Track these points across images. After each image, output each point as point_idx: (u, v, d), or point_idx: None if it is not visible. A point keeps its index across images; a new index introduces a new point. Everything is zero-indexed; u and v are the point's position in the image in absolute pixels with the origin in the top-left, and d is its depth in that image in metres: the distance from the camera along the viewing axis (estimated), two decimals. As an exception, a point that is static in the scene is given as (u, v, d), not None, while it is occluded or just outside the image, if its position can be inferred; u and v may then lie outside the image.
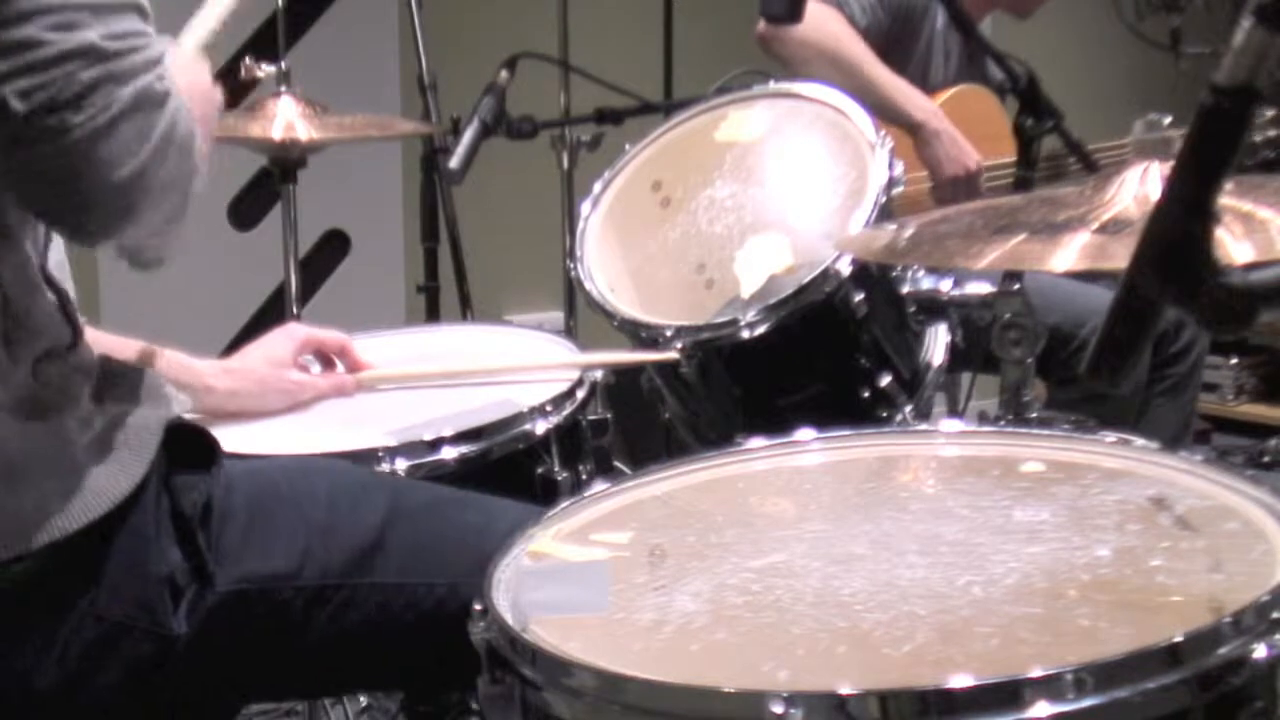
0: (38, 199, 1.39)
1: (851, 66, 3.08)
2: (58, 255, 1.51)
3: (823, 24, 3.04)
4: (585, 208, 2.30)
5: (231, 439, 1.75)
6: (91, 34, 1.32)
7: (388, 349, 2.29)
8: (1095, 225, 1.54)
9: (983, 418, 2.18)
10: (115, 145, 1.33)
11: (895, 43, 3.20)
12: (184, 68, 1.45)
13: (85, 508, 1.40)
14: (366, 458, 1.80)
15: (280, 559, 1.51)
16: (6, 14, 1.30)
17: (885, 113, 3.05)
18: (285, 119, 2.77)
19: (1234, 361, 4.89)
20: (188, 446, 1.52)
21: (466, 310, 3.31)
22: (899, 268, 2.16)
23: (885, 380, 2.17)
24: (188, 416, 1.59)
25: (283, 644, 1.52)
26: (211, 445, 1.54)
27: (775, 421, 1.84)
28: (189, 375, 1.82)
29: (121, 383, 1.50)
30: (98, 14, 1.33)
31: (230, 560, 1.48)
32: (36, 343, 1.43)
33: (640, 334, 2.17)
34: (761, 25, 3.10)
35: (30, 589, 1.39)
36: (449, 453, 1.83)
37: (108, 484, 1.42)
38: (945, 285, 2.15)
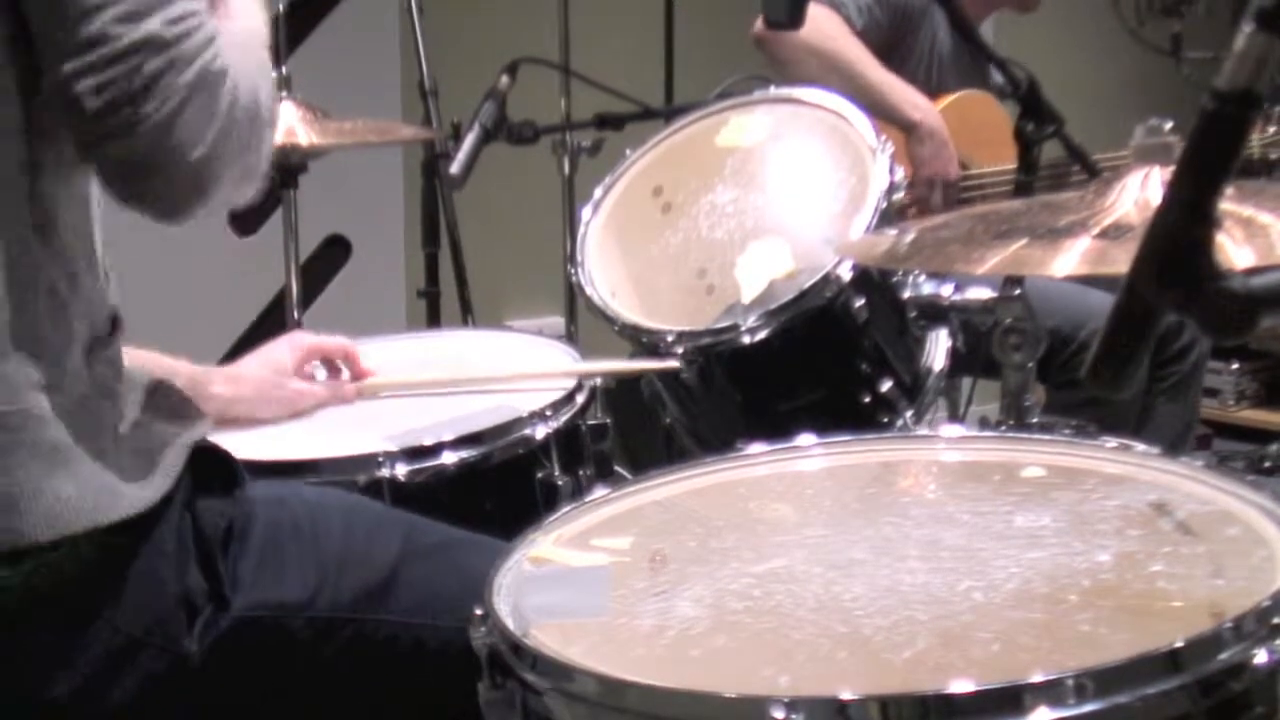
0: (118, 188, 1.40)
1: (848, 67, 3.09)
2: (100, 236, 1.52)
3: (820, 25, 3.04)
4: (586, 213, 2.30)
5: (235, 444, 1.75)
6: (154, 23, 1.33)
7: (388, 354, 2.29)
8: (1096, 230, 1.54)
9: (984, 423, 2.18)
10: (184, 130, 1.34)
11: (894, 45, 3.20)
12: (235, 14, 1.45)
13: (115, 508, 1.40)
14: (367, 462, 1.80)
15: (293, 588, 1.51)
16: (76, 10, 1.32)
17: (882, 112, 3.05)
18: (286, 124, 2.77)
19: (1235, 366, 4.89)
20: (212, 469, 1.53)
21: (467, 315, 3.31)
22: (900, 273, 2.16)
23: (886, 385, 2.17)
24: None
25: (291, 673, 1.53)
26: (235, 469, 1.55)
27: (776, 426, 1.84)
28: (191, 382, 1.83)
29: (157, 395, 1.52)
30: (159, 2, 1.34)
31: (245, 585, 1.49)
32: (80, 332, 1.43)
33: (641, 339, 2.17)
34: (758, 26, 3.10)
35: (51, 595, 1.39)
36: (449, 457, 1.83)
37: (138, 490, 1.42)
38: (946, 290, 2.15)
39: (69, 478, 1.38)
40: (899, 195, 2.15)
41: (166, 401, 1.53)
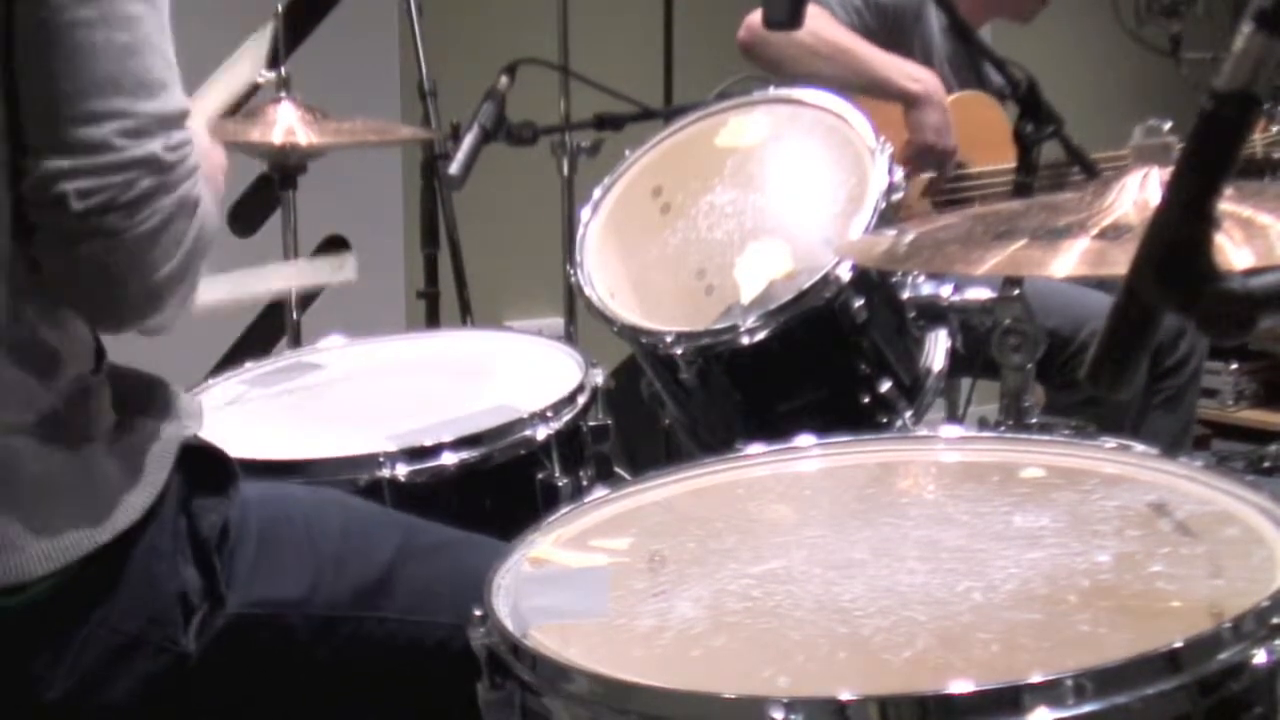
0: (77, 293, 1.42)
1: (840, 52, 3.08)
2: None
3: (807, 19, 3.03)
4: (585, 213, 2.30)
5: (235, 443, 1.75)
6: (156, 145, 1.36)
7: (388, 354, 2.29)
8: (1095, 231, 1.54)
9: (983, 423, 2.18)
10: (158, 249, 1.38)
11: (885, 48, 3.19)
12: (199, 141, 1.48)
13: (109, 522, 1.41)
14: (367, 462, 1.80)
15: (290, 586, 1.52)
16: (81, 112, 1.34)
17: (880, 90, 3.05)
18: (285, 125, 2.78)
19: (1233, 367, 4.89)
20: (206, 468, 1.53)
21: (466, 316, 3.31)
22: (899, 273, 2.16)
23: (885, 386, 2.17)
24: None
25: (288, 670, 1.53)
26: (229, 468, 1.55)
27: (775, 427, 1.84)
28: None
29: (140, 395, 1.51)
30: (163, 125, 1.37)
31: (241, 583, 1.49)
32: (66, 371, 1.44)
33: (640, 340, 2.17)
34: (744, 33, 3.10)
35: (47, 600, 1.39)
36: (449, 458, 1.83)
37: (129, 497, 1.43)
38: (945, 291, 2.15)
39: (62, 512, 1.39)
40: (898, 195, 2.15)
41: (151, 398, 1.52)
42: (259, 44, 1.86)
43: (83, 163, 1.34)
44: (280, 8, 3.07)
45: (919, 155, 3.10)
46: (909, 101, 3.09)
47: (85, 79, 1.34)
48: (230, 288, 1.82)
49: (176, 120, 1.39)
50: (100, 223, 1.35)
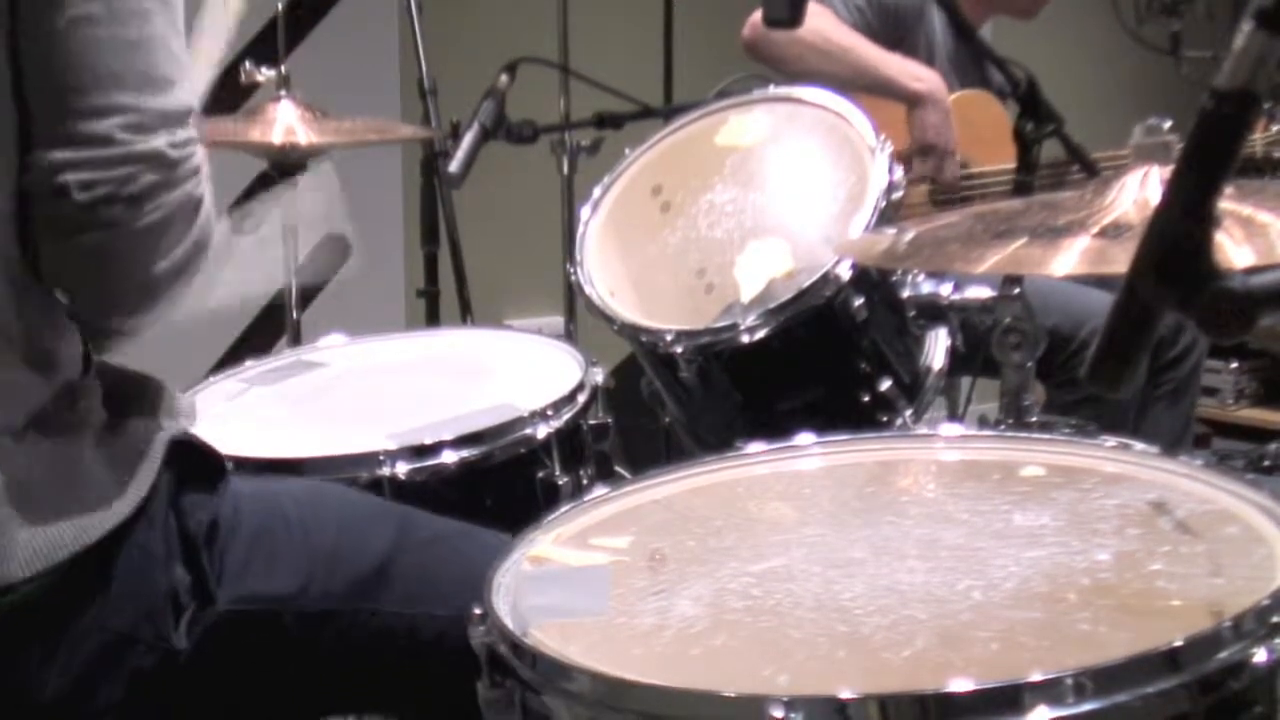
0: (71, 280, 1.42)
1: (843, 51, 3.08)
2: None
3: (809, 18, 3.04)
4: (585, 212, 2.30)
5: (235, 442, 1.75)
6: (160, 141, 1.37)
7: (388, 352, 2.29)
8: (1095, 230, 1.54)
9: (983, 422, 2.18)
10: (158, 245, 1.38)
11: (888, 48, 3.19)
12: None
13: (98, 522, 1.40)
14: (368, 461, 1.80)
15: (283, 581, 1.51)
16: (85, 106, 1.35)
17: (883, 89, 3.05)
18: (285, 123, 2.78)
19: (1234, 366, 4.89)
20: (196, 464, 1.52)
21: (466, 315, 3.31)
22: (899, 272, 2.16)
23: (885, 385, 2.17)
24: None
25: (283, 666, 1.52)
26: (219, 464, 1.55)
27: (775, 426, 1.84)
28: None
29: (129, 393, 1.51)
30: (167, 122, 1.38)
31: (233, 580, 1.49)
32: (60, 371, 1.45)
33: (640, 338, 2.17)
34: (747, 30, 3.10)
35: (36, 599, 1.39)
36: (450, 456, 1.83)
37: (117, 496, 1.43)
38: (945, 289, 2.14)
39: (51, 512, 1.39)
40: (898, 194, 2.14)
41: (140, 396, 1.52)
42: None
43: (86, 155, 1.34)
44: (280, 6, 3.08)
45: (920, 155, 3.11)
46: (912, 101, 3.09)
47: (90, 74, 1.34)
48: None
49: (182, 118, 1.39)
50: (102, 214, 1.35)
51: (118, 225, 1.36)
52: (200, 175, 1.42)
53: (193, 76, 1.44)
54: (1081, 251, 1.51)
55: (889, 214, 2.11)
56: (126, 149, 1.35)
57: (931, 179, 3.19)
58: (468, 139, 2.99)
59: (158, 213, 1.37)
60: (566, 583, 1.42)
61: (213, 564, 1.48)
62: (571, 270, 2.24)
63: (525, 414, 1.89)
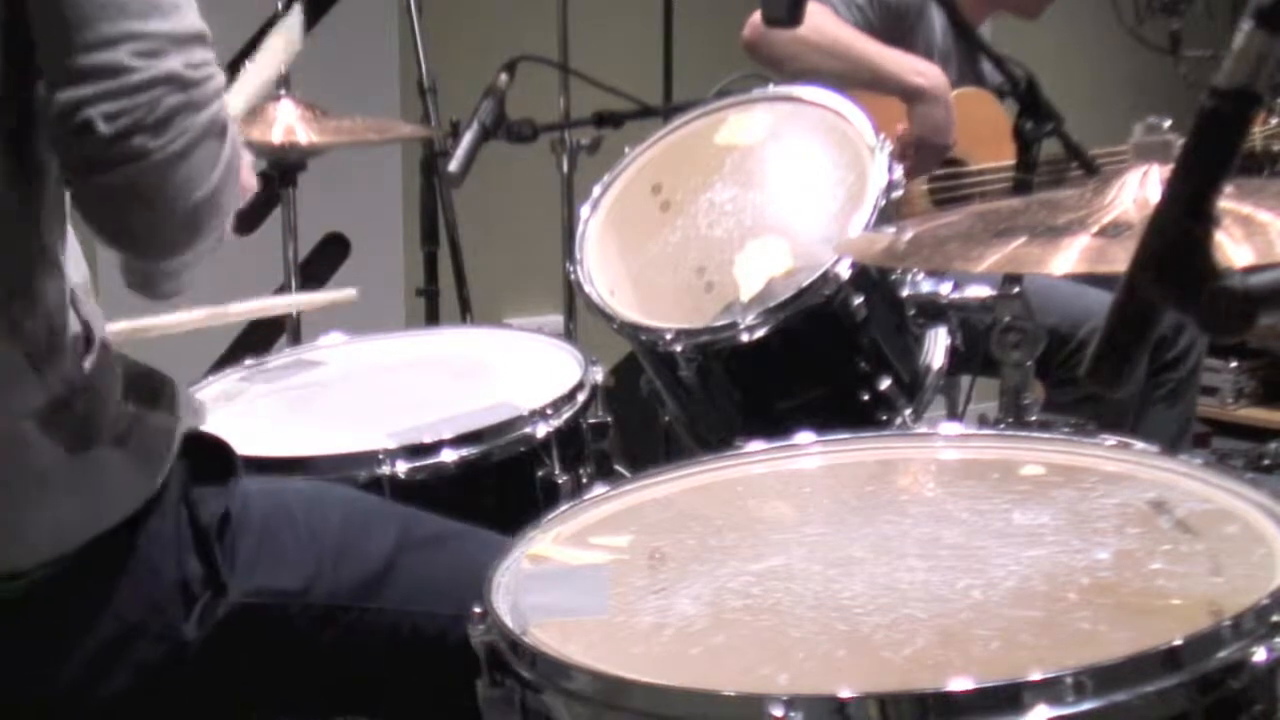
0: (111, 220, 1.41)
1: (844, 48, 3.08)
2: (80, 273, 1.53)
3: (809, 16, 3.03)
4: (585, 211, 2.30)
5: (235, 440, 1.75)
6: (174, 62, 1.36)
7: (387, 351, 2.29)
8: (1095, 228, 1.54)
9: (982, 421, 2.18)
10: (191, 169, 1.37)
11: (888, 44, 3.19)
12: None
13: (112, 510, 1.41)
14: (367, 459, 1.80)
15: (290, 577, 1.52)
16: (93, 38, 1.34)
17: (885, 85, 3.04)
18: (285, 123, 2.78)
19: (1233, 365, 4.89)
20: (208, 458, 1.53)
21: (466, 314, 3.31)
22: (899, 271, 2.16)
23: (885, 383, 2.17)
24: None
25: (288, 660, 1.53)
26: (230, 458, 1.55)
27: (775, 424, 1.84)
28: None
29: (144, 385, 1.52)
30: (178, 44, 1.37)
31: (242, 573, 1.50)
32: (71, 359, 1.45)
33: (640, 337, 2.17)
34: (747, 31, 3.10)
35: (47, 586, 1.40)
36: (449, 455, 1.83)
37: (132, 486, 1.43)
38: (945, 288, 2.15)
39: (64, 498, 1.40)
40: (898, 193, 2.14)
41: (155, 391, 1.53)
42: (289, 29, 1.88)
43: (104, 87, 1.33)
44: (280, 6, 3.08)
45: (920, 150, 3.10)
46: (913, 96, 3.08)
47: (92, 5, 1.34)
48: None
49: (193, 39, 1.38)
50: (129, 146, 1.34)
51: (149, 154, 1.34)
52: (223, 99, 1.41)
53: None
54: (1081, 250, 1.51)
55: (888, 213, 2.11)
56: (143, 74, 1.34)
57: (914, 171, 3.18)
58: (467, 138, 2.98)
59: (185, 136, 1.35)
60: (566, 582, 1.42)
61: (224, 556, 1.49)
62: (571, 269, 2.24)
63: (525, 413, 1.89)
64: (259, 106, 2.84)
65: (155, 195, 1.37)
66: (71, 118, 1.34)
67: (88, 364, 1.46)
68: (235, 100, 1.55)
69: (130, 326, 1.96)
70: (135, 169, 1.35)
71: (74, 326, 1.46)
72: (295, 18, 1.94)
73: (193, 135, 1.36)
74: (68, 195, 1.48)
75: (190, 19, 1.39)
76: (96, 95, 1.33)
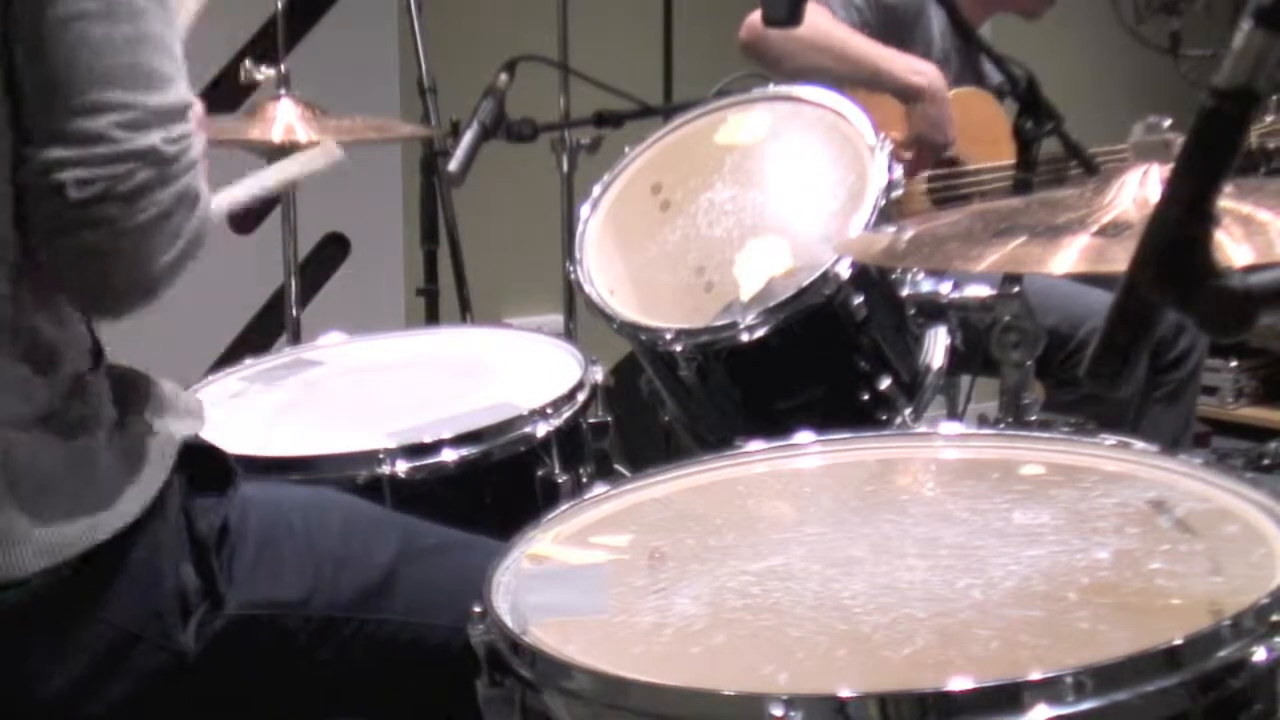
0: (72, 281, 1.42)
1: (842, 48, 3.08)
2: None
3: (807, 16, 3.03)
4: (585, 210, 2.30)
5: (235, 440, 1.75)
6: (155, 138, 1.37)
7: (387, 351, 2.29)
8: (1095, 228, 1.54)
9: (982, 420, 2.18)
10: (155, 241, 1.38)
11: (886, 45, 3.19)
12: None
13: (110, 520, 1.41)
14: (367, 459, 1.80)
15: (289, 587, 1.52)
16: (79, 103, 1.35)
17: (883, 84, 3.04)
18: (285, 122, 2.78)
19: (1233, 364, 4.89)
20: (207, 467, 1.53)
21: (466, 313, 3.31)
22: (898, 270, 2.16)
23: (885, 383, 2.17)
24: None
25: (287, 671, 1.53)
26: (229, 468, 1.55)
27: (775, 424, 1.84)
28: None
29: (141, 393, 1.52)
30: (161, 119, 1.38)
31: (241, 584, 1.49)
32: (66, 367, 1.45)
33: (640, 337, 2.17)
34: (745, 31, 3.10)
35: (44, 595, 1.40)
36: (449, 455, 1.83)
37: (128, 495, 1.43)
38: (945, 288, 2.15)
39: (61, 508, 1.39)
40: (898, 192, 2.14)
41: (154, 397, 1.53)
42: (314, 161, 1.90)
43: (81, 153, 1.34)
44: (280, 5, 3.08)
45: (919, 149, 3.10)
46: (912, 95, 3.08)
47: (85, 71, 1.34)
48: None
49: (178, 114, 1.39)
50: (98, 212, 1.35)
51: (114, 223, 1.36)
52: (197, 169, 1.42)
53: (184, 73, 1.44)
54: (1081, 250, 1.51)
55: (888, 212, 2.11)
56: (122, 147, 1.35)
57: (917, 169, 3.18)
58: (467, 137, 2.99)
59: (153, 209, 1.37)
60: (566, 581, 1.42)
61: (222, 567, 1.49)
62: (571, 268, 2.24)
63: (525, 412, 1.89)
64: (259, 106, 2.85)
65: (117, 262, 1.38)
66: (45, 177, 1.35)
67: (87, 373, 1.46)
68: (251, 185, 1.56)
69: None
70: (98, 235, 1.36)
71: (74, 336, 1.46)
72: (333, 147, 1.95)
73: (161, 209, 1.37)
74: None
75: (179, 92, 1.40)
76: (72, 160, 1.34)
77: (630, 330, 2.17)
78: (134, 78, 1.36)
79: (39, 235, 1.39)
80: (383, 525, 1.64)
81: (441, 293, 3.37)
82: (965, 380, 2.76)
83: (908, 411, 2.20)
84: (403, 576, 1.58)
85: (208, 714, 1.51)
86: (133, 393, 1.51)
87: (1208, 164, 0.99)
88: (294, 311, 3.08)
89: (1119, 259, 1.43)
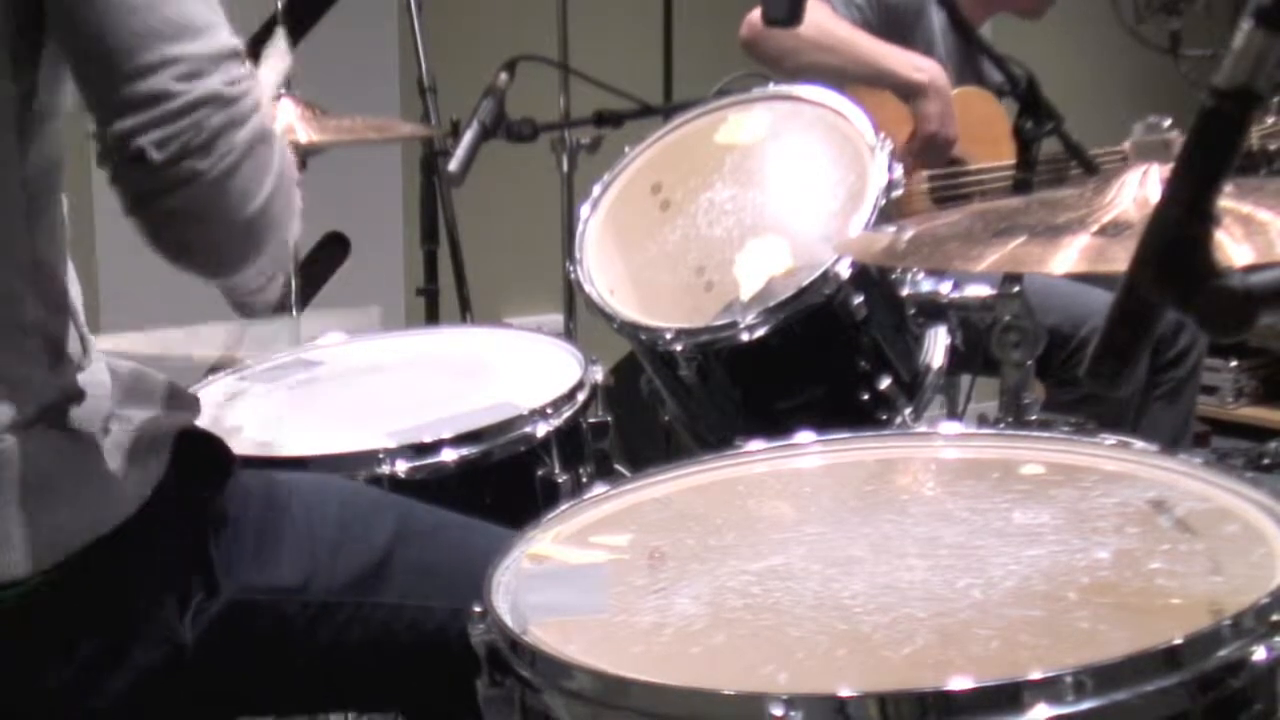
0: (173, 242, 1.43)
1: (843, 44, 3.08)
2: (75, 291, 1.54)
3: (808, 13, 3.03)
4: (585, 210, 2.30)
5: (234, 439, 1.75)
6: (215, 81, 1.37)
7: (387, 351, 2.29)
8: (1095, 228, 1.54)
9: (982, 420, 2.18)
10: (241, 183, 1.39)
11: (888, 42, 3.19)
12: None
13: (109, 515, 1.42)
14: (367, 459, 1.80)
15: (286, 573, 1.52)
16: (134, 68, 1.36)
17: (884, 81, 3.04)
18: (284, 122, 2.77)
19: (1233, 364, 4.89)
20: (203, 456, 1.53)
21: (466, 313, 3.31)
22: (899, 270, 2.16)
23: (885, 383, 2.17)
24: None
25: (285, 657, 1.53)
26: (226, 455, 1.55)
27: (775, 424, 1.84)
28: None
29: (135, 387, 1.52)
30: (216, 62, 1.38)
31: (238, 570, 1.50)
32: (67, 363, 1.46)
33: (640, 336, 2.17)
34: (745, 30, 3.10)
35: (44, 592, 1.40)
36: (449, 454, 1.83)
37: (125, 490, 1.44)
38: (945, 288, 2.14)
39: (62, 505, 1.40)
40: (898, 192, 2.14)
41: (147, 389, 1.53)
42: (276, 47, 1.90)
43: (150, 115, 1.35)
44: (280, 4, 3.07)
45: (923, 146, 3.10)
46: (913, 91, 3.08)
47: (128, 35, 1.35)
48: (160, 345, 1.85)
49: (229, 57, 1.40)
50: (180, 170, 1.36)
51: (201, 176, 1.36)
52: (265, 110, 1.43)
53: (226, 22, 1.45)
54: (1081, 250, 1.51)
55: (888, 212, 2.11)
56: (185, 98, 1.35)
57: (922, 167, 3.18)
58: (467, 137, 2.98)
59: (233, 154, 1.37)
60: (566, 581, 1.42)
61: (219, 555, 1.49)
62: (571, 268, 2.24)
63: (525, 412, 1.89)
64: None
65: (211, 214, 1.39)
66: (125, 149, 1.36)
67: (84, 372, 1.47)
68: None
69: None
70: (189, 191, 1.36)
71: (72, 336, 1.47)
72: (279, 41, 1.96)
73: (240, 151, 1.38)
74: (65, 207, 1.49)
75: (223, 37, 1.40)
76: (145, 124, 1.35)
77: (630, 330, 2.17)
78: (177, 29, 1.36)
79: (137, 213, 1.39)
80: (380, 507, 1.64)
81: (441, 293, 3.37)
82: (965, 380, 2.77)
83: (908, 411, 2.20)
84: (400, 559, 1.58)
85: (208, 704, 1.51)
86: (128, 386, 1.51)
87: (1208, 164, 0.99)
88: (294, 311, 3.08)
89: (1119, 259, 1.43)
